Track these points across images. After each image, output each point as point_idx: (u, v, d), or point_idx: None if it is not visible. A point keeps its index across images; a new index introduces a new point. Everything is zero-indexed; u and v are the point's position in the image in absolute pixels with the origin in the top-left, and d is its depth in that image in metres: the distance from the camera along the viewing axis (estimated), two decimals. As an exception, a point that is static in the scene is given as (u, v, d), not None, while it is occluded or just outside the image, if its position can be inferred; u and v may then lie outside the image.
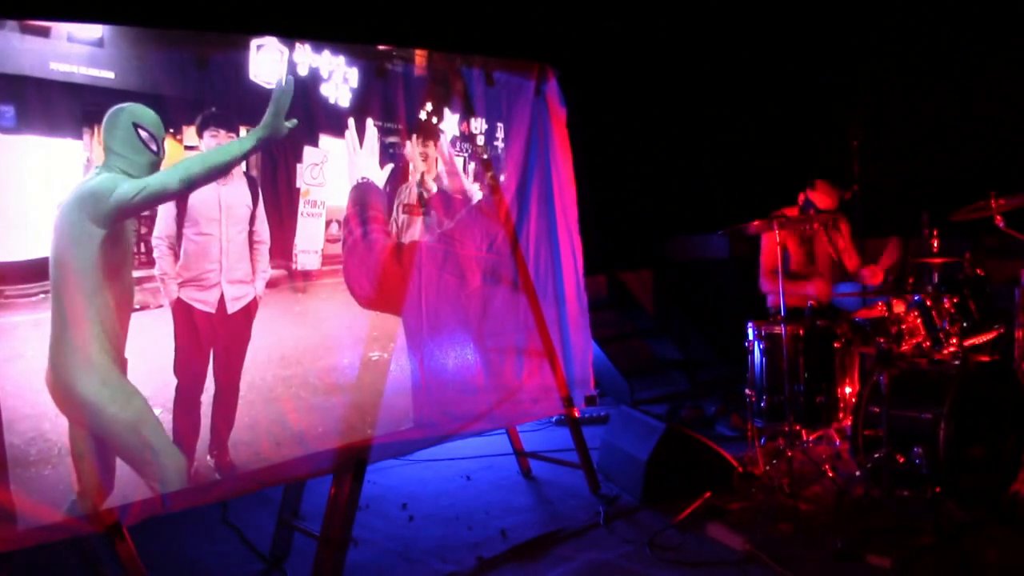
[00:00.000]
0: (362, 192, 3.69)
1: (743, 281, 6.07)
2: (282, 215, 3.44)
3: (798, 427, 4.24)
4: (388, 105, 3.79)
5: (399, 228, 3.88)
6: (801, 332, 4.31)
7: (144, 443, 2.96)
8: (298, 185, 3.49)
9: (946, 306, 4.11)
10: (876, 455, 3.76)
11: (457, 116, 4.09)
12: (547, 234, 4.50)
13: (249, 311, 3.33)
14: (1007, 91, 6.51)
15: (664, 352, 7.29)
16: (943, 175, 6.43)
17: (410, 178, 3.91)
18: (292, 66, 3.38)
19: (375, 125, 3.73)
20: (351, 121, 3.64)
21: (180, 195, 3.08)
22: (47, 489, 2.78)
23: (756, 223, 4.28)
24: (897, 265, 4.93)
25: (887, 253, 4.78)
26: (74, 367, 2.81)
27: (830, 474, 4.06)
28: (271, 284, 3.38)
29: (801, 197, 5.00)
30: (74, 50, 2.87)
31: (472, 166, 4.20)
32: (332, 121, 3.58)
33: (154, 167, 2.99)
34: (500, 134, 4.31)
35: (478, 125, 4.19)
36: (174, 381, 3.12)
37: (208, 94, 3.19)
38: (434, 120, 3.99)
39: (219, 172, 3.14)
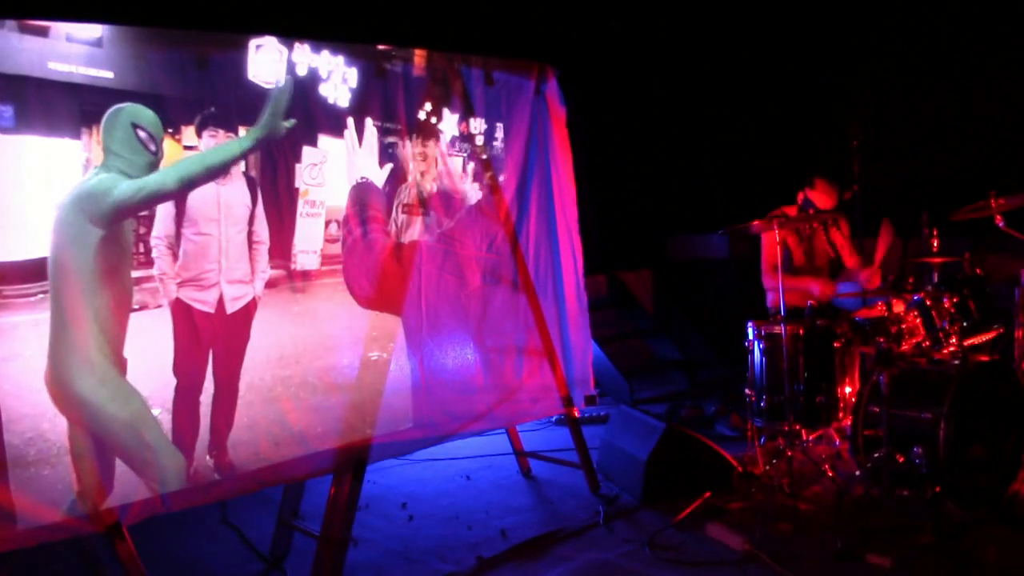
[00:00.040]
0: (361, 192, 3.69)
1: (743, 281, 6.08)
2: (281, 215, 3.43)
3: (798, 427, 4.24)
4: (387, 105, 3.79)
5: (399, 228, 3.87)
6: (801, 332, 4.31)
7: (143, 443, 2.96)
8: (297, 185, 3.49)
9: (946, 306, 4.11)
10: (876, 455, 3.75)
11: (456, 116, 4.09)
12: (547, 234, 4.50)
13: (248, 311, 3.32)
14: (1007, 91, 6.51)
15: (664, 352, 7.29)
16: (943, 175, 6.43)
17: (409, 178, 3.91)
18: (291, 66, 3.38)
19: (374, 125, 3.73)
20: (350, 121, 3.64)
21: (177, 195, 3.08)
22: (46, 489, 2.78)
23: (756, 223, 4.28)
24: (894, 256, 4.93)
25: (881, 238, 4.78)
26: (72, 367, 2.81)
27: (830, 474, 4.05)
28: (270, 284, 3.38)
29: (800, 196, 5.01)
30: (73, 50, 2.87)
31: (472, 166, 4.20)
32: (331, 121, 3.58)
33: (153, 167, 2.99)
34: (500, 134, 4.31)
35: (477, 125, 4.19)
36: (173, 381, 3.11)
37: (207, 94, 3.19)
38: (433, 120, 3.99)
39: (217, 172, 3.14)
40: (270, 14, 4.56)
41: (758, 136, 7.57)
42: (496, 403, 4.18)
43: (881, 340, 3.90)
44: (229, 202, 3.25)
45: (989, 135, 6.49)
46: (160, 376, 3.08)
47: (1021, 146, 6.19)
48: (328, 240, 3.61)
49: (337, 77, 3.57)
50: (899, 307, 4.13)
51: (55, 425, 2.80)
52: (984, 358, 3.96)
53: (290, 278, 3.47)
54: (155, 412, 3.03)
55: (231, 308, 3.26)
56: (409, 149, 3.89)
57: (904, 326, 4.13)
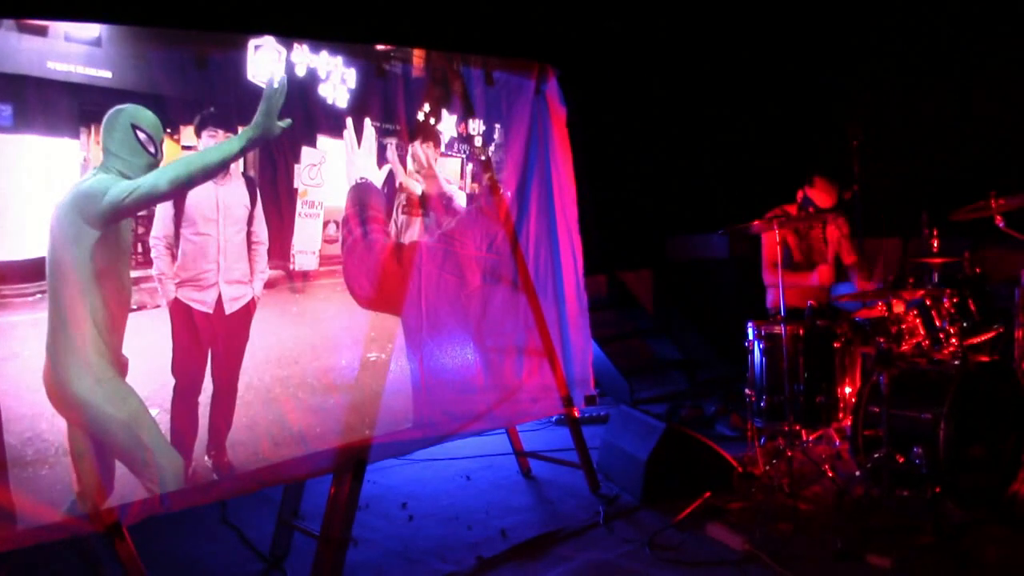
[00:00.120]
0: (361, 193, 3.69)
1: (743, 281, 6.08)
2: (280, 215, 3.43)
3: (798, 427, 4.24)
4: (387, 105, 3.79)
5: (399, 228, 3.87)
6: (801, 332, 4.31)
7: (140, 443, 2.95)
8: (296, 186, 3.49)
9: (946, 306, 4.11)
10: (876, 455, 3.75)
11: (456, 117, 4.09)
12: (547, 234, 4.50)
13: (247, 311, 3.32)
14: (1007, 91, 6.51)
15: (664, 352, 7.29)
16: (943, 175, 6.42)
17: (409, 178, 3.91)
18: (290, 66, 3.38)
19: (373, 126, 3.72)
20: (349, 121, 3.64)
21: (171, 196, 3.06)
22: (45, 489, 2.78)
23: (756, 223, 4.28)
24: (894, 256, 4.94)
25: (879, 266, 4.82)
26: (70, 366, 2.81)
27: (830, 474, 4.05)
28: (269, 285, 3.38)
29: (800, 194, 5.02)
30: (72, 49, 2.87)
31: (471, 167, 4.20)
32: (330, 122, 3.57)
33: (151, 169, 2.98)
34: (500, 134, 4.31)
35: (476, 126, 4.19)
36: (172, 381, 3.11)
37: (206, 94, 3.18)
38: (432, 121, 3.99)
39: (211, 173, 3.12)
40: (269, 14, 4.56)
41: (758, 136, 7.57)
42: (496, 403, 4.18)
43: (881, 340, 3.89)
44: (228, 202, 3.25)
45: (989, 135, 6.48)
46: (159, 376, 3.08)
47: (1021, 146, 6.19)
48: (327, 241, 3.60)
49: (336, 77, 3.57)
50: (899, 307, 4.12)
51: (53, 425, 2.80)
52: (984, 358, 3.96)
53: (289, 278, 3.46)
54: (154, 412, 3.02)
55: (230, 308, 3.26)
56: (409, 150, 3.88)
57: (904, 326, 4.12)
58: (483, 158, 4.23)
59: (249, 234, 3.32)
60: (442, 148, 4.06)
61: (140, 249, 3.05)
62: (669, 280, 8.04)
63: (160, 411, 3.05)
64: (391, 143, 3.83)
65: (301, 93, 3.42)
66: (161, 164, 3.02)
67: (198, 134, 3.16)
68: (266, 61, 3.28)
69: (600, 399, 5.14)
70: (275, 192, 3.41)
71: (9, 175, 2.74)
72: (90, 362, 2.85)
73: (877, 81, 7.24)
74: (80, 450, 2.84)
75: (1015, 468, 3.82)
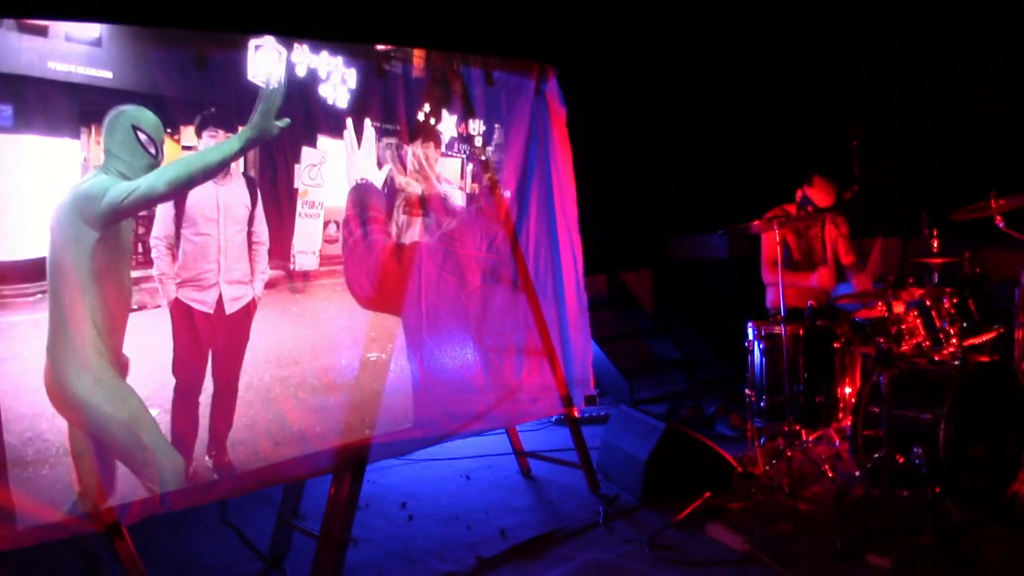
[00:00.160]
0: (361, 193, 3.69)
1: (743, 281, 6.08)
2: (281, 216, 3.43)
3: (798, 427, 4.24)
4: (387, 106, 3.79)
5: (399, 229, 3.87)
6: (801, 332, 4.31)
7: (140, 444, 2.95)
8: (296, 186, 3.49)
9: (946, 306, 4.11)
10: (876, 455, 3.75)
11: (456, 117, 4.09)
12: (547, 234, 4.50)
13: (248, 312, 3.32)
14: (1007, 91, 6.51)
15: (664, 352, 7.29)
16: (943, 175, 6.43)
17: (409, 179, 3.91)
18: (290, 66, 3.38)
19: (373, 126, 3.72)
20: (349, 122, 3.64)
21: (170, 197, 3.05)
22: (45, 489, 2.78)
23: (756, 223, 4.29)
24: (894, 256, 4.94)
25: (876, 244, 4.81)
26: (69, 367, 2.81)
27: (830, 474, 4.05)
28: (269, 285, 3.38)
29: (799, 193, 5.03)
30: (72, 49, 2.87)
31: (471, 167, 4.20)
32: (330, 122, 3.57)
33: (152, 170, 2.98)
34: (500, 134, 4.31)
35: (476, 126, 4.19)
36: (172, 381, 3.11)
37: (207, 94, 3.18)
38: (432, 121, 3.99)
39: (209, 174, 3.11)
40: (269, 14, 4.56)
41: (758, 136, 7.57)
42: (496, 403, 4.18)
43: (881, 340, 3.89)
44: (228, 202, 3.25)
45: (989, 135, 6.48)
46: (159, 376, 3.08)
47: (1021, 146, 6.19)
48: (327, 241, 3.60)
49: (336, 78, 3.56)
50: (899, 307, 4.13)
51: (54, 425, 2.80)
52: (984, 358, 3.96)
53: (289, 279, 3.46)
54: (154, 412, 3.02)
55: (230, 308, 3.26)
56: (409, 150, 3.88)
57: (904, 326, 4.13)
58: (483, 158, 4.23)
59: (250, 234, 3.32)
60: (442, 148, 4.06)
61: (141, 249, 3.05)
62: (669, 280, 8.04)
63: (161, 411, 3.05)
64: (389, 143, 3.83)
65: (301, 93, 3.42)
66: (162, 165, 3.02)
67: (199, 134, 3.16)
68: (266, 61, 3.28)
69: (600, 399, 5.14)
70: (275, 192, 3.41)
71: (9, 175, 2.74)
72: (90, 362, 2.85)
73: (877, 81, 7.24)
74: (81, 450, 2.84)
75: (1015, 468, 3.82)
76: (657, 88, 7.68)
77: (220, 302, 3.23)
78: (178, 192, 3.07)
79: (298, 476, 3.56)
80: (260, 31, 3.30)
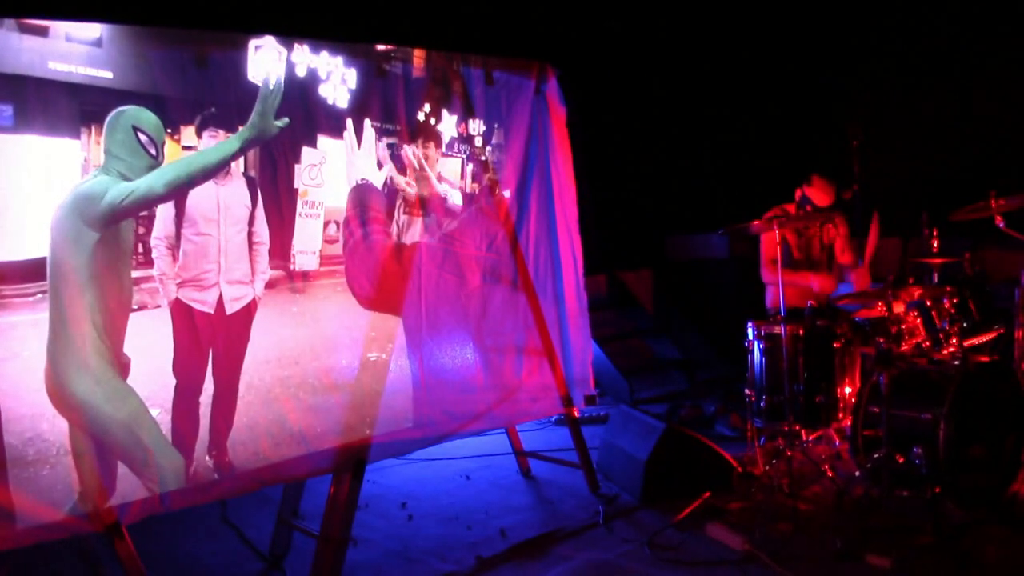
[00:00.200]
0: (361, 194, 3.69)
1: (743, 281, 6.08)
2: (281, 216, 3.43)
3: (797, 427, 4.24)
4: (387, 106, 3.79)
5: (400, 229, 3.87)
6: (801, 332, 4.31)
7: (140, 444, 2.95)
8: (296, 186, 3.49)
9: (946, 306, 4.11)
10: (876, 455, 3.75)
11: (456, 117, 4.09)
12: (547, 233, 4.50)
13: (248, 312, 3.32)
14: (1007, 91, 6.51)
15: (664, 352, 7.29)
16: (943, 175, 6.43)
17: (409, 179, 3.91)
18: (290, 67, 3.38)
19: (373, 126, 3.72)
20: (349, 123, 3.64)
21: (169, 198, 3.05)
22: (45, 489, 2.78)
23: (756, 223, 4.29)
24: (894, 256, 4.94)
25: (871, 234, 4.81)
26: (69, 367, 2.81)
27: (830, 474, 4.05)
28: (269, 285, 3.38)
29: (798, 193, 5.03)
30: (73, 49, 2.87)
31: (471, 167, 4.20)
32: (330, 122, 3.57)
33: (152, 170, 2.98)
34: (500, 134, 4.31)
35: (476, 126, 4.19)
36: (173, 381, 3.11)
37: (207, 94, 3.18)
38: (432, 121, 3.99)
39: (208, 174, 3.10)
40: (269, 14, 4.56)
41: (758, 136, 7.57)
42: (496, 403, 4.18)
43: (881, 340, 3.89)
44: (228, 202, 3.25)
45: (989, 135, 6.49)
46: (160, 376, 3.08)
47: (1021, 146, 6.19)
48: (327, 241, 3.61)
49: (336, 78, 3.57)
50: (899, 307, 4.12)
51: (54, 425, 2.80)
52: (984, 358, 3.96)
53: (289, 279, 3.47)
54: (154, 412, 3.03)
55: (231, 309, 3.26)
56: (409, 150, 3.88)
57: (904, 326, 4.13)
58: (483, 158, 4.23)
59: (250, 234, 3.32)
60: (443, 148, 4.06)
61: (141, 249, 3.05)
62: (669, 280, 8.03)
63: (161, 411, 3.06)
64: (389, 144, 3.83)
65: (301, 93, 3.42)
66: (162, 165, 3.02)
67: (199, 134, 3.16)
68: (266, 61, 3.28)
69: (600, 399, 5.14)
70: (276, 192, 3.41)
71: (9, 175, 2.75)
72: (90, 363, 2.85)
73: (877, 81, 7.24)
74: (81, 450, 2.84)
75: (1015, 468, 3.82)
76: (657, 88, 7.68)
77: (220, 302, 3.23)
78: (177, 193, 3.06)
79: (298, 476, 3.56)
80: (260, 31, 3.30)
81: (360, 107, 3.66)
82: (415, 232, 3.91)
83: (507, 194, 4.32)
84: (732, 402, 5.62)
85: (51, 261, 2.79)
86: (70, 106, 2.85)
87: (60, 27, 2.84)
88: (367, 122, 3.70)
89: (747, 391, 4.47)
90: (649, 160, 7.73)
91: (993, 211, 4.30)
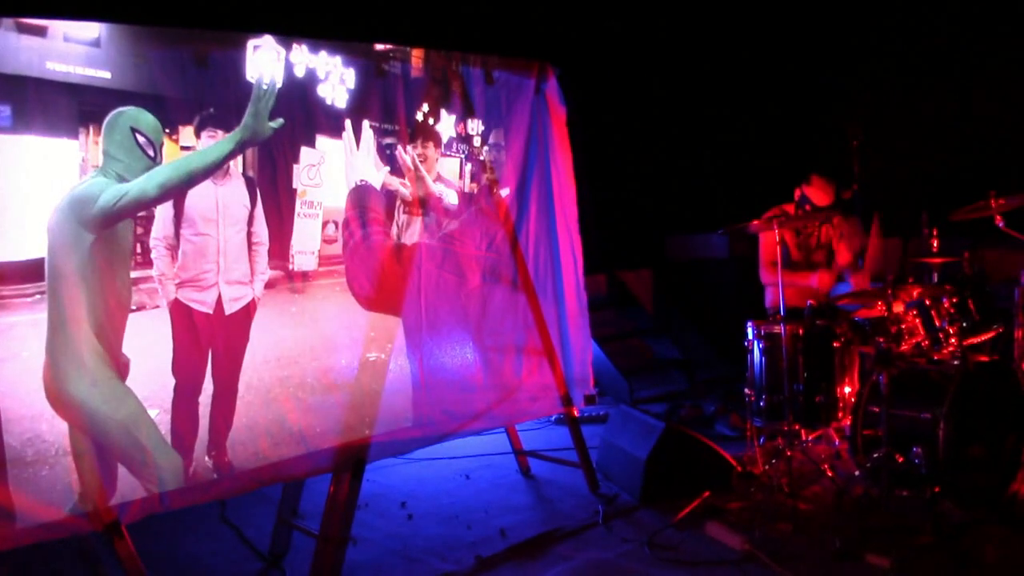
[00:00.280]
0: (361, 194, 3.69)
1: (743, 281, 6.08)
2: (279, 216, 3.43)
3: (797, 427, 4.24)
4: (386, 106, 3.79)
5: (400, 229, 3.87)
6: (800, 332, 4.31)
7: (138, 444, 2.95)
8: (295, 186, 3.49)
9: (946, 306, 4.11)
10: (875, 455, 3.75)
11: (455, 117, 4.09)
12: (547, 233, 4.50)
13: (248, 312, 3.32)
14: (1007, 91, 6.50)
15: (664, 351, 7.28)
16: (943, 175, 6.42)
17: (409, 179, 3.90)
18: (289, 66, 3.37)
19: (372, 126, 3.72)
20: (348, 123, 3.63)
21: (161, 200, 3.03)
22: (45, 489, 2.78)
23: (756, 223, 4.29)
24: (894, 256, 4.94)
25: (872, 238, 4.81)
26: (67, 368, 2.81)
27: (829, 474, 4.05)
28: (268, 285, 3.38)
29: (797, 192, 5.03)
30: (71, 50, 2.87)
31: (470, 166, 4.20)
32: (329, 122, 3.57)
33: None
34: (499, 133, 4.31)
35: (476, 126, 4.19)
36: (172, 382, 3.11)
37: (206, 94, 3.18)
38: (432, 121, 3.98)
39: (200, 176, 3.08)
40: (268, 14, 4.55)
41: (758, 136, 7.56)
42: (495, 402, 4.18)
43: (881, 340, 3.89)
44: (227, 202, 3.25)
45: (989, 135, 6.48)
46: (159, 377, 3.08)
47: (1021, 146, 6.18)
48: (326, 241, 3.60)
49: (335, 77, 3.56)
50: (899, 307, 4.12)
51: (53, 426, 2.80)
52: (984, 358, 3.96)
53: (288, 279, 3.47)
54: (153, 413, 3.02)
55: (230, 309, 3.26)
56: (408, 150, 3.88)
57: (904, 326, 4.12)
58: (482, 158, 4.23)
59: (249, 234, 3.32)
60: (442, 148, 4.06)
61: (140, 250, 3.05)
62: (669, 280, 8.03)
63: (160, 411, 3.06)
64: (388, 144, 3.83)
65: (300, 93, 3.42)
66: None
67: (197, 135, 3.16)
68: (265, 61, 3.28)
69: (600, 398, 5.14)
70: (274, 192, 3.41)
71: (8, 176, 2.75)
72: (88, 363, 2.85)
73: (877, 81, 7.23)
74: (81, 450, 2.84)
75: (1015, 468, 3.82)
76: (657, 88, 7.68)
77: (220, 302, 3.23)
78: (171, 195, 3.05)
79: (297, 475, 3.56)
80: (259, 31, 3.30)
81: (359, 107, 3.66)
82: (415, 232, 3.91)
83: (507, 193, 4.32)
84: (732, 402, 5.62)
85: (49, 262, 2.79)
86: (68, 106, 2.85)
87: (58, 27, 2.84)
88: (366, 122, 3.70)
89: (747, 391, 4.47)
90: (649, 160, 7.73)
91: (993, 211, 4.30)
